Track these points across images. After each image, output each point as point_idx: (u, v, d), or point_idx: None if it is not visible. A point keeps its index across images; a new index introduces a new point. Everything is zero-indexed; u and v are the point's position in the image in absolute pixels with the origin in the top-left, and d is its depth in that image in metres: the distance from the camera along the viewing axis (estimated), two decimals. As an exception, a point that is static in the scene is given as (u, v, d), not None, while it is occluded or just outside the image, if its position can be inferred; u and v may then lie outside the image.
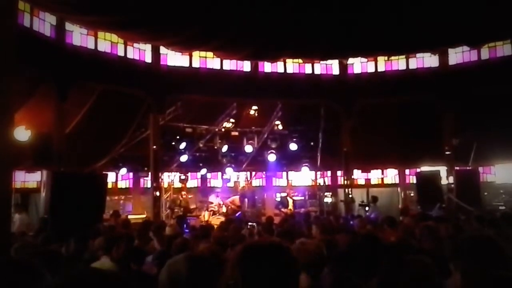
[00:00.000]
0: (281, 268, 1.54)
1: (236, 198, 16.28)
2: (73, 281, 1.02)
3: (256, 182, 19.62)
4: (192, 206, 16.23)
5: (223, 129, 17.10)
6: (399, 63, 18.04)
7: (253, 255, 1.57)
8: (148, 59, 16.01)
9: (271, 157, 16.90)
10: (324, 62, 18.03)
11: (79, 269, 1.15)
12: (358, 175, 19.44)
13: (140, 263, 4.26)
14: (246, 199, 16.45)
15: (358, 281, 2.67)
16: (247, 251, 1.60)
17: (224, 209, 15.63)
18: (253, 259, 1.55)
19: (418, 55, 17.66)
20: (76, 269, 1.12)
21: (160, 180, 15.93)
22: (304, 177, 18.77)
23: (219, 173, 18.59)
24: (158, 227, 7.26)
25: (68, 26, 13.84)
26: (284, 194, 17.48)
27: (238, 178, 18.54)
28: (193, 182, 18.48)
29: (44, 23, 13.09)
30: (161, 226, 7.74)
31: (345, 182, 17.77)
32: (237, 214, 15.16)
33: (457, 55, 17.36)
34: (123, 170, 16.29)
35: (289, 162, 17.93)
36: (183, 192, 16.50)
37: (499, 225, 6.59)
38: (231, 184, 18.12)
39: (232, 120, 17.30)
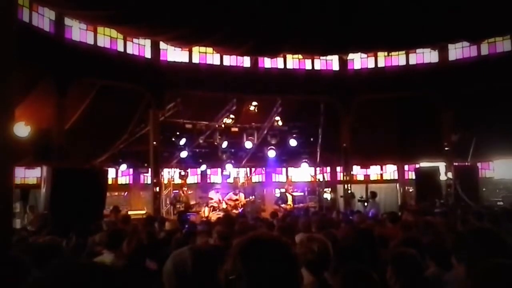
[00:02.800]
0: (286, 262, 1.53)
1: (231, 194, 16.29)
2: (66, 274, 1.00)
3: (255, 178, 19.64)
4: (192, 202, 16.24)
5: (223, 125, 17.10)
6: (399, 58, 18.05)
7: (259, 248, 1.54)
8: (148, 54, 16.00)
9: (271, 153, 16.92)
10: (324, 57, 18.02)
11: (72, 261, 1.12)
12: (357, 171, 19.47)
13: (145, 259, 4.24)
14: (241, 193, 16.42)
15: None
16: (251, 244, 1.56)
17: (224, 205, 15.65)
18: (259, 252, 1.52)
19: (418, 50, 17.67)
20: (69, 261, 1.11)
21: (160, 176, 15.95)
22: (303, 173, 18.79)
23: (219, 169, 18.60)
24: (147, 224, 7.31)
25: (67, 21, 13.81)
26: (283, 190, 17.51)
27: (238, 174, 18.55)
28: (193, 178, 18.49)
29: (43, 18, 13.06)
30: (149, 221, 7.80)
31: (345, 178, 17.80)
32: (240, 210, 15.22)
33: (456, 51, 17.37)
34: (123, 166, 16.29)
35: (289, 158, 17.94)
36: (184, 188, 16.52)
37: (499, 220, 6.62)
38: (230, 180, 18.13)
39: (232, 116, 17.29)
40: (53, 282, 0.98)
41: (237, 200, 15.96)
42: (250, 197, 16.61)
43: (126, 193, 17.84)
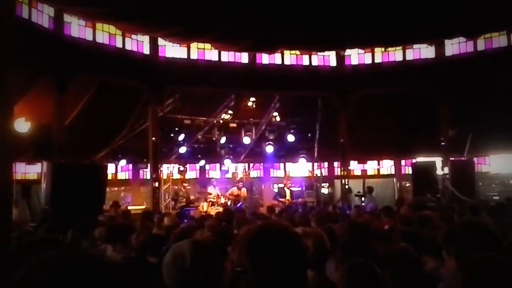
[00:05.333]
0: (294, 253, 1.46)
1: (234, 189, 16.40)
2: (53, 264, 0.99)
3: (254, 173, 19.77)
4: (191, 197, 16.36)
5: (221, 121, 17.19)
6: (396, 54, 18.12)
7: (266, 239, 1.46)
8: (146, 50, 16.05)
9: (269, 149, 17.02)
10: (322, 53, 18.09)
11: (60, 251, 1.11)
12: (355, 166, 19.60)
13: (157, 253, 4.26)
14: (243, 188, 16.50)
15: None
16: (258, 235, 1.49)
17: (223, 200, 15.74)
18: (266, 243, 1.45)
19: (414, 46, 17.75)
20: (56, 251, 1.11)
21: (159, 171, 16.05)
22: (301, 168, 18.91)
23: (218, 165, 18.71)
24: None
25: (67, 17, 13.86)
26: (281, 185, 17.62)
27: (236, 169, 18.67)
28: (191, 173, 18.59)
29: (42, 15, 13.09)
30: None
31: (342, 173, 17.92)
32: (238, 205, 15.29)
33: (453, 46, 17.46)
34: (123, 162, 16.39)
35: (287, 153, 18.05)
36: (185, 184, 16.63)
37: (496, 214, 6.73)
38: (229, 175, 18.24)
39: (230, 111, 17.39)
40: (46, 270, 0.97)
41: (238, 195, 16.02)
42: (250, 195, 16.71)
43: (123, 193, 17.92)
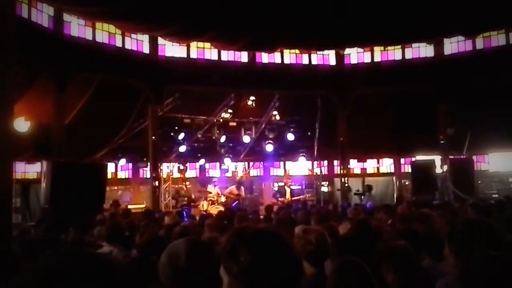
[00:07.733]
0: (290, 255, 1.44)
1: (233, 187, 16.40)
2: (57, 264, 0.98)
3: (253, 172, 19.78)
4: (192, 196, 16.38)
5: (221, 120, 17.20)
6: (395, 53, 18.15)
7: (264, 241, 1.44)
8: (146, 49, 16.07)
9: (269, 147, 17.04)
10: (321, 52, 18.10)
11: (63, 251, 1.10)
12: (354, 165, 19.62)
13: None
14: (242, 187, 16.50)
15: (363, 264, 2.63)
16: (256, 237, 1.46)
17: (223, 199, 15.75)
18: (265, 245, 1.42)
19: (413, 45, 17.77)
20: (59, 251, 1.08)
21: (159, 170, 16.07)
22: (301, 166, 18.92)
23: (217, 163, 18.71)
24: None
25: (66, 17, 13.88)
26: (281, 184, 17.63)
27: (236, 168, 18.68)
28: (191, 172, 18.61)
29: (42, 14, 13.12)
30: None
31: (342, 171, 17.95)
32: (234, 204, 15.29)
33: (452, 45, 17.48)
34: (123, 161, 16.40)
35: (286, 152, 18.06)
36: (186, 183, 16.65)
37: (495, 212, 6.77)
38: (229, 174, 18.25)
39: (230, 110, 17.39)
40: (47, 269, 0.96)
41: (239, 194, 16.02)
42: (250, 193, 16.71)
43: (120, 192, 17.93)
